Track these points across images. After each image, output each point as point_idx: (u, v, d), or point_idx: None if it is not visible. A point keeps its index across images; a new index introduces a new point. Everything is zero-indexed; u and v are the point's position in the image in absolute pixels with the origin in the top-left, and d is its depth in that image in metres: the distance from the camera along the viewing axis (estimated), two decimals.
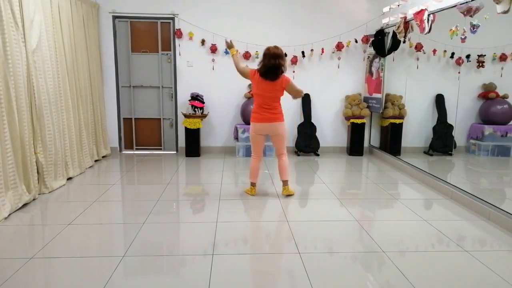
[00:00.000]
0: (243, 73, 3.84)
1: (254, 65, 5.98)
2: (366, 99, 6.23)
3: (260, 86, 3.64)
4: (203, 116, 5.86)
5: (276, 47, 3.58)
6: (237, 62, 3.88)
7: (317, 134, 6.14)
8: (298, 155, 6.10)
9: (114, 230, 3.12)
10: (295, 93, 3.70)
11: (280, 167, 3.91)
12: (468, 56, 5.19)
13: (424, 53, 5.60)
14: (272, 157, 5.88)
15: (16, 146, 3.48)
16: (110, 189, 4.16)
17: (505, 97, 5.27)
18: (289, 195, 3.93)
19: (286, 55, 5.94)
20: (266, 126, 3.73)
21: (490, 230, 3.13)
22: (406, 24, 4.97)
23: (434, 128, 5.73)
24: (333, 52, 6.09)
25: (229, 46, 4.00)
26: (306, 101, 6.15)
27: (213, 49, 5.90)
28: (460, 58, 5.26)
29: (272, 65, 3.50)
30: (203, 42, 5.91)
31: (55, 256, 2.58)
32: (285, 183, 3.92)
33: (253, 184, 3.98)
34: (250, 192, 3.98)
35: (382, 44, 5.73)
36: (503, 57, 5.09)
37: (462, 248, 2.76)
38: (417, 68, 5.74)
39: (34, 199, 3.71)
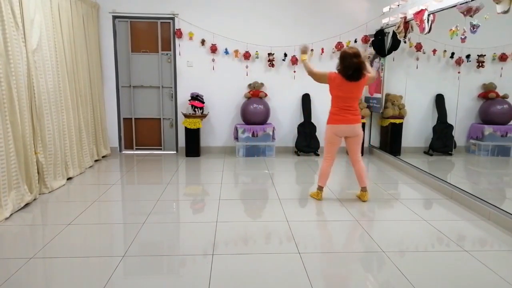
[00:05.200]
0: (320, 77, 3.71)
1: (254, 65, 6.05)
2: (366, 99, 6.23)
3: (343, 87, 3.54)
4: (203, 116, 5.86)
5: (350, 47, 3.61)
6: (310, 67, 3.74)
7: (317, 134, 6.14)
8: (298, 155, 6.10)
9: (114, 230, 3.12)
10: (371, 80, 3.77)
11: (358, 173, 3.78)
12: (468, 56, 5.19)
13: (424, 53, 5.60)
14: (272, 157, 5.89)
15: (19, 146, 3.48)
16: (110, 189, 4.16)
17: (505, 97, 5.27)
18: (364, 201, 3.80)
19: (286, 55, 5.97)
20: (347, 127, 3.64)
21: (490, 230, 3.13)
22: (406, 24, 4.97)
23: (434, 128, 5.73)
24: (333, 52, 6.08)
25: (304, 51, 3.80)
26: (306, 101, 6.15)
27: (213, 49, 5.90)
28: (460, 58, 5.26)
29: (357, 65, 3.43)
30: (203, 42, 5.91)
31: (55, 256, 2.58)
32: (363, 189, 3.80)
33: (320, 188, 3.82)
34: (316, 196, 3.82)
35: (382, 44, 5.73)
36: (503, 57, 5.09)
37: (462, 248, 2.76)
38: (417, 68, 5.74)
39: (35, 199, 3.71)
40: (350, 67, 3.44)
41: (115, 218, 3.45)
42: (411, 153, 5.82)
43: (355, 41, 6.05)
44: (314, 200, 3.84)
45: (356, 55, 3.45)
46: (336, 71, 3.59)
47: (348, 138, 3.74)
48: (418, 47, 5.58)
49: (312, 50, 6.01)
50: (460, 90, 5.18)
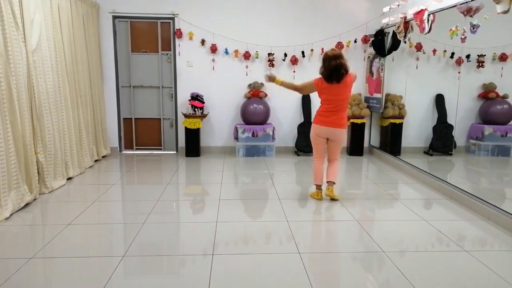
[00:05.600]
0: (305, 88, 3.77)
1: (254, 65, 6.05)
2: (367, 99, 6.23)
3: (329, 91, 3.58)
4: (203, 116, 5.86)
5: (332, 49, 3.64)
6: (291, 83, 3.82)
7: None
8: (298, 155, 6.10)
9: (114, 230, 3.12)
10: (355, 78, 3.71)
11: (329, 169, 3.80)
12: (468, 56, 5.19)
13: (424, 53, 5.60)
14: (272, 157, 5.89)
15: (19, 146, 3.48)
16: (110, 189, 4.16)
17: (505, 97, 5.27)
18: (333, 199, 3.79)
19: (286, 55, 5.97)
20: (329, 130, 3.67)
21: (490, 230, 3.13)
22: (406, 24, 4.97)
23: (434, 128, 5.73)
24: None
25: (272, 79, 3.82)
26: (306, 101, 6.15)
27: (213, 49, 5.90)
28: (460, 58, 5.26)
29: (335, 66, 3.47)
30: (203, 42, 5.91)
31: (55, 256, 2.58)
32: (330, 183, 3.79)
33: (318, 187, 3.82)
34: (316, 196, 3.81)
35: (382, 44, 5.73)
36: (503, 57, 5.09)
37: (462, 248, 2.76)
38: (417, 68, 5.74)
39: (35, 199, 3.71)
40: (328, 69, 3.51)
41: (115, 218, 3.45)
42: (411, 153, 5.82)
43: (355, 41, 6.05)
44: (314, 200, 3.84)
45: (336, 57, 3.48)
46: (319, 77, 3.65)
47: (331, 141, 3.76)
48: (418, 47, 5.58)
49: (312, 50, 6.01)
50: (460, 90, 5.18)
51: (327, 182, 3.82)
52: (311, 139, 3.84)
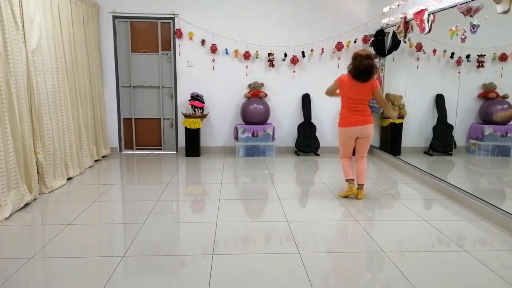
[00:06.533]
0: (332, 88, 3.84)
1: (254, 65, 6.05)
2: None
3: (352, 88, 3.65)
4: (203, 116, 5.86)
5: (364, 49, 3.74)
6: (327, 91, 3.93)
7: (317, 134, 6.14)
8: (298, 155, 6.10)
9: (114, 230, 3.12)
10: (380, 100, 3.79)
11: (359, 170, 3.86)
12: (468, 56, 5.19)
13: (424, 53, 5.60)
14: (272, 157, 5.89)
15: (18, 146, 3.48)
16: (110, 189, 4.16)
17: (505, 97, 5.27)
18: (360, 199, 3.84)
19: (286, 55, 5.97)
20: (357, 129, 3.73)
21: (490, 230, 3.13)
22: (406, 24, 4.97)
23: (434, 128, 5.73)
24: (333, 52, 6.08)
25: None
26: (306, 101, 6.15)
27: (213, 49, 5.90)
28: (460, 58, 5.26)
29: (366, 65, 3.54)
30: (203, 42, 5.91)
31: (55, 256, 2.58)
32: (360, 187, 3.86)
33: (351, 181, 3.84)
34: (350, 191, 3.83)
35: (382, 44, 5.73)
36: (503, 57, 5.09)
37: (462, 248, 2.76)
38: (417, 68, 5.74)
39: (35, 199, 3.71)
40: (359, 67, 3.56)
41: (115, 218, 3.45)
42: (411, 153, 5.82)
43: (355, 41, 6.05)
44: (314, 200, 3.84)
45: (368, 57, 3.58)
46: (346, 73, 3.74)
47: (359, 138, 3.81)
48: (418, 47, 5.58)
49: (312, 50, 6.01)
50: (460, 90, 5.18)
51: (358, 184, 3.87)
52: (340, 141, 3.88)
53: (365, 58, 3.55)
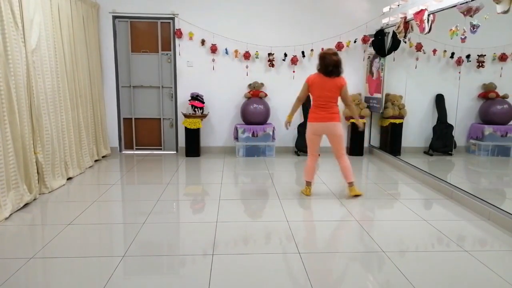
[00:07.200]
0: (302, 93, 3.87)
1: (254, 65, 6.05)
2: (366, 99, 6.23)
3: (321, 84, 3.72)
4: (203, 116, 5.86)
5: (329, 48, 3.88)
6: (294, 105, 3.97)
7: None
8: (298, 155, 6.10)
9: (114, 230, 3.12)
10: (346, 99, 3.81)
11: (343, 168, 3.90)
12: (468, 56, 5.19)
13: (424, 53, 5.60)
14: (272, 157, 5.89)
15: (17, 146, 3.48)
16: (110, 189, 4.16)
17: (505, 97, 5.28)
18: (356, 195, 3.90)
19: (286, 55, 5.97)
20: (322, 125, 3.78)
21: (490, 230, 3.13)
22: (406, 24, 4.97)
23: (434, 128, 5.73)
24: None
25: (289, 120, 4.02)
26: (306, 101, 6.12)
27: (213, 49, 5.90)
28: (460, 58, 5.26)
29: (335, 61, 3.67)
30: (203, 42, 5.91)
31: (55, 256, 2.58)
32: (350, 184, 3.90)
33: (308, 184, 3.96)
34: (305, 192, 3.96)
35: (382, 44, 5.73)
36: (503, 57, 5.09)
37: (462, 248, 2.76)
38: (417, 68, 5.74)
39: (35, 199, 3.71)
40: (328, 64, 3.66)
41: (115, 218, 3.45)
42: (411, 153, 5.83)
43: (355, 41, 6.05)
44: (314, 200, 3.84)
45: (335, 54, 3.72)
46: (315, 72, 3.81)
47: (329, 136, 3.86)
48: (418, 47, 5.58)
49: (312, 50, 6.01)
50: (460, 90, 5.18)
51: (348, 183, 3.92)
52: (307, 137, 3.96)
53: (333, 54, 3.68)
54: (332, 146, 3.93)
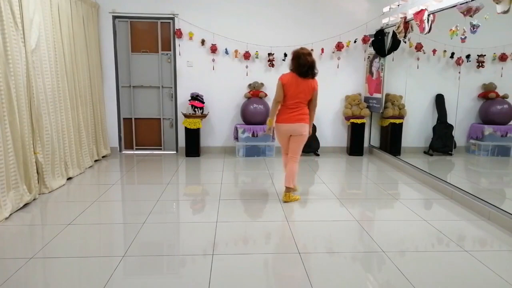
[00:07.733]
0: (277, 94, 3.63)
1: (254, 65, 6.05)
2: (367, 99, 6.23)
3: (296, 85, 3.56)
4: (203, 116, 5.86)
5: (303, 47, 3.66)
6: (273, 107, 3.70)
7: (317, 134, 6.14)
8: None
9: (114, 230, 3.12)
10: (313, 104, 3.72)
11: (287, 171, 3.75)
12: (468, 56, 5.19)
13: (424, 53, 5.60)
14: (272, 157, 5.88)
15: (17, 146, 3.48)
16: (110, 189, 4.16)
17: (505, 97, 5.27)
18: (287, 202, 3.75)
19: (286, 55, 5.97)
20: (289, 126, 3.67)
21: (490, 230, 3.13)
22: (406, 24, 4.97)
23: (434, 128, 5.73)
24: (333, 52, 6.09)
25: (270, 125, 3.78)
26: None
27: (213, 49, 5.90)
28: (460, 58, 5.26)
29: (311, 62, 3.55)
30: (203, 42, 5.91)
31: (55, 256, 2.58)
32: (287, 189, 3.77)
33: (288, 190, 3.78)
34: (286, 198, 3.76)
35: (382, 44, 5.73)
36: (503, 57, 5.09)
37: (462, 248, 2.76)
38: (417, 68, 5.74)
39: (34, 199, 3.71)
40: (305, 64, 3.52)
41: (115, 218, 3.45)
42: (411, 153, 5.82)
43: (355, 41, 6.05)
44: (314, 200, 3.84)
45: (310, 54, 3.58)
46: (288, 72, 3.66)
47: (292, 136, 3.73)
48: (418, 47, 5.58)
49: (312, 50, 6.00)
50: (460, 90, 5.18)
51: (286, 187, 3.77)
52: (277, 139, 3.87)
53: (307, 55, 3.54)
54: (290, 146, 3.76)
